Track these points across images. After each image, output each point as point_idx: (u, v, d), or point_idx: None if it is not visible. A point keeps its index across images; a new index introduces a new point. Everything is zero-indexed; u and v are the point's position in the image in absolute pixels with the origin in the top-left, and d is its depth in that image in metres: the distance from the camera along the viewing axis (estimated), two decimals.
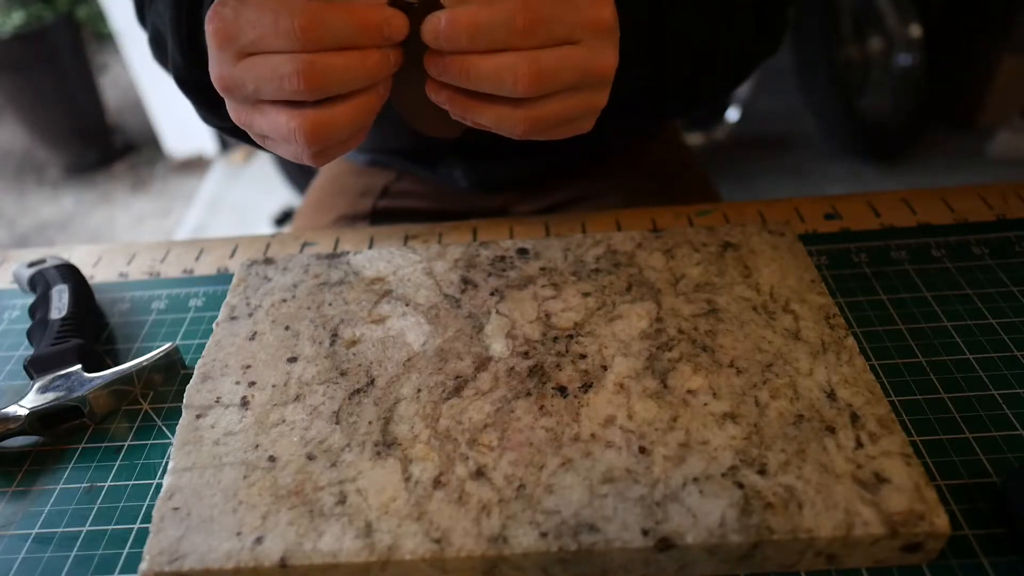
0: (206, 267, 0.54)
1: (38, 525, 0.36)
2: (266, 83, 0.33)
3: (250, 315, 0.44)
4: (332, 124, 0.34)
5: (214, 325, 0.44)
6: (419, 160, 0.67)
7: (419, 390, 0.38)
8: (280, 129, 0.35)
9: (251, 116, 0.36)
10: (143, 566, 0.31)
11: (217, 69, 0.35)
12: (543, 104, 0.36)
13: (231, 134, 0.46)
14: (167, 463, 0.36)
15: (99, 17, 2.15)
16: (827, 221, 0.53)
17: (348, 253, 0.48)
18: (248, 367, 0.40)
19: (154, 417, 0.42)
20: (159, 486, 0.38)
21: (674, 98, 0.49)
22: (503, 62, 0.33)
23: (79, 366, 0.42)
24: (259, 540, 0.32)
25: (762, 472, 0.32)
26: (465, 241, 0.53)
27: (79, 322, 0.46)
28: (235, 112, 0.37)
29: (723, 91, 0.53)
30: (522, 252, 0.47)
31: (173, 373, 0.44)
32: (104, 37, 2.32)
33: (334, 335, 0.42)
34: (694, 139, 2.08)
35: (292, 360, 0.41)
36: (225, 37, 0.33)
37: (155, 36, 0.48)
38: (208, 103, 0.44)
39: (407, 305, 0.44)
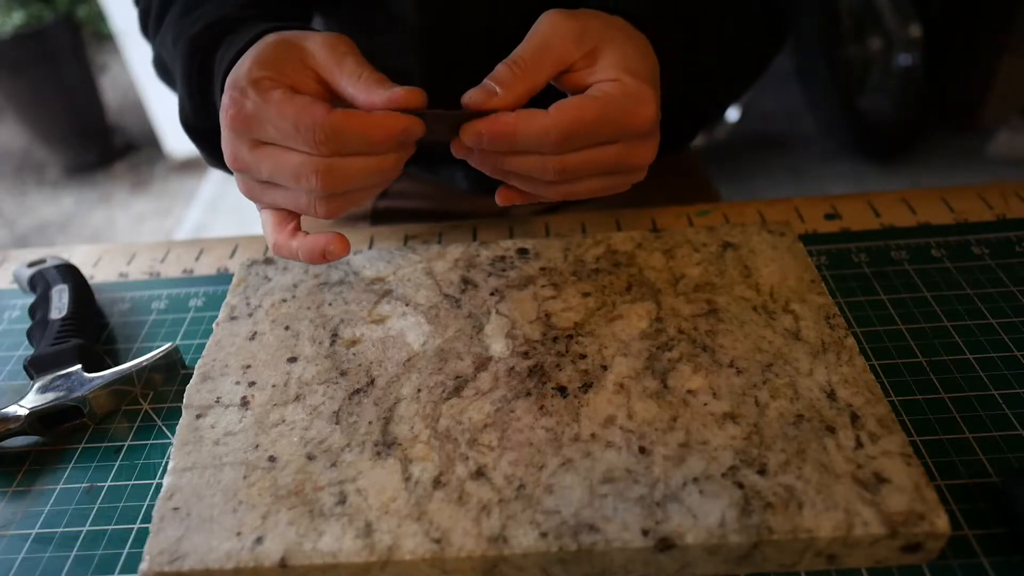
0: (206, 267, 0.54)
1: (38, 525, 0.36)
2: (281, 175, 0.34)
3: (250, 315, 0.44)
4: (347, 170, 0.34)
5: (214, 325, 0.44)
6: (420, 161, 0.67)
7: (419, 390, 0.38)
8: (293, 182, 0.35)
9: (261, 193, 0.37)
10: (143, 566, 0.31)
11: (230, 150, 0.35)
12: (573, 184, 0.38)
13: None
14: (167, 463, 0.36)
15: (99, 17, 2.15)
16: (827, 221, 0.53)
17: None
18: (248, 367, 0.40)
19: (154, 417, 0.42)
20: (159, 486, 0.38)
21: (696, 117, 0.50)
22: (533, 163, 0.36)
23: (79, 366, 0.42)
24: (259, 540, 0.32)
25: (762, 472, 0.32)
26: (465, 241, 0.53)
27: (79, 322, 0.46)
28: (244, 187, 0.37)
29: (737, 98, 0.54)
30: (522, 252, 0.47)
31: (173, 373, 0.44)
32: (104, 37, 2.31)
33: (334, 335, 0.42)
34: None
35: (292, 360, 0.41)
36: (242, 126, 0.34)
37: (159, 62, 0.49)
38: (214, 149, 0.44)
39: (407, 305, 0.44)
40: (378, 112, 0.32)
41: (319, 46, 0.35)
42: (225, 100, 0.34)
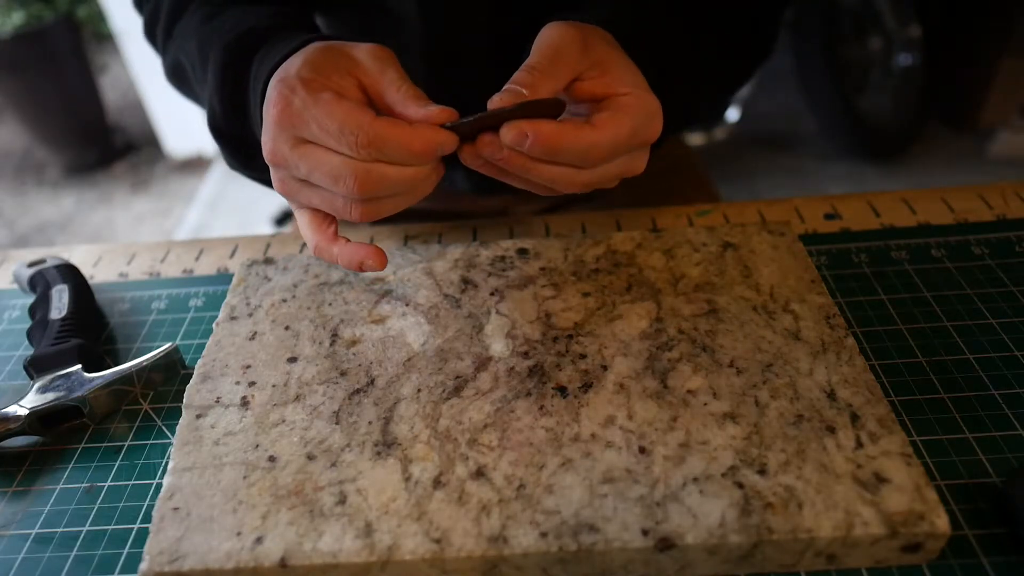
0: (206, 267, 0.54)
1: (38, 525, 0.36)
2: (319, 175, 0.35)
3: (250, 315, 0.44)
4: (384, 176, 0.34)
5: (214, 325, 0.44)
6: None
7: (419, 390, 0.38)
8: (331, 182, 0.35)
9: (297, 191, 0.37)
10: (143, 566, 0.31)
11: (271, 145, 0.36)
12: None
13: (256, 180, 0.47)
14: (167, 463, 0.36)
15: (99, 17, 2.15)
16: (827, 221, 0.53)
17: None
18: (248, 367, 0.40)
19: (154, 417, 0.42)
20: (159, 486, 0.38)
21: (673, 121, 0.51)
22: (561, 174, 0.36)
23: (79, 366, 0.42)
24: (259, 540, 0.32)
25: (762, 472, 0.32)
26: (465, 241, 0.53)
27: (79, 322, 0.46)
28: (280, 184, 0.38)
29: (719, 105, 0.56)
30: (522, 252, 0.47)
31: (173, 373, 0.44)
32: (104, 37, 2.31)
33: (334, 335, 0.42)
34: (694, 139, 2.08)
35: (292, 360, 0.41)
36: (288, 122, 0.35)
37: (175, 67, 0.49)
38: (237, 152, 0.45)
39: (407, 305, 0.44)
40: (419, 124, 0.34)
41: (365, 54, 0.36)
42: (272, 95, 0.35)
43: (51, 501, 0.38)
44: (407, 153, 0.33)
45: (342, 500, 0.33)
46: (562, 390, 0.37)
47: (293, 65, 0.36)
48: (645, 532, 0.31)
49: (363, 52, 0.36)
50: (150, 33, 0.54)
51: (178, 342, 0.47)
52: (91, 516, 0.37)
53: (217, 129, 0.45)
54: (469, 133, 0.35)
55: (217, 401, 0.39)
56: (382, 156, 0.33)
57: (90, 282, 0.51)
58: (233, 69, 0.42)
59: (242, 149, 0.45)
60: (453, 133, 0.35)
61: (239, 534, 0.32)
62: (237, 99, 0.42)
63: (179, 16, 0.50)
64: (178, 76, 0.51)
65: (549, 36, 0.37)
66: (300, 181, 0.37)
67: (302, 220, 0.39)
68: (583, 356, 0.39)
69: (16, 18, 2.00)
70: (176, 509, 0.33)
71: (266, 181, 0.42)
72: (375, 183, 0.34)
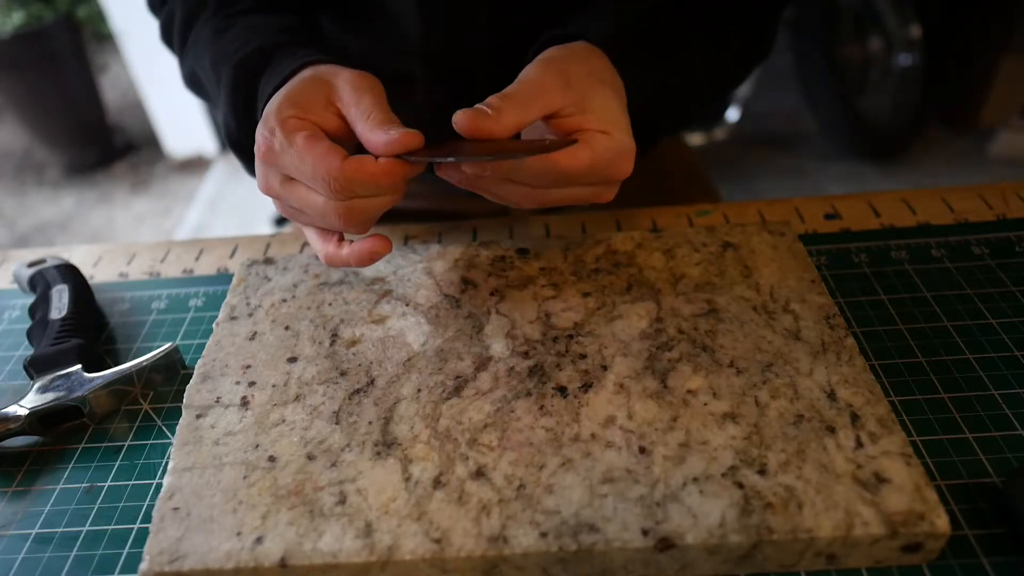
0: (206, 267, 0.54)
1: (38, 525, 0.36)
2: (308, 210, 0.38)
3: (250, 315, 0.44)
4: (364, 208, 0.38)
5: (214, 325, 0.44)
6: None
7: (419, 390, 0.38)
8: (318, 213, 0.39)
9: (296, 216, 0.41)
10: (143, 566, 0.31)
11: (263, 181, 0.39)
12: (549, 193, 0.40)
13: None
14: (167, 463, 0.36)
15: (99, 17, 2.15)
16: (827, 221, 0.53)
17: None
18: (248, 367, 0.40)
19: (154, 417, 0.42)
20: (159, 486, 0.38)
21: (668, 123, 0.51)
22: (519, 193, 0.39)
23: (79, 366, 0.42)
24: (259, 540, 0.32)
25: (762, 472, 0.32)
26: (465, 241, 0.53)
27: (79, 322, 0.46)
28: (280, 210, 0.41)
29: (717, 106, 0.56)
30: (522, 252, 0.47)
31: (173, 373, 0.44)
32: (104, 37, 2.31)
33: (334, 335, 0.42)
34: (694, 139, 2.08)
35: (292, 360, 0.41)
36: (271, 161, 0.38)
37: (192, 77, 0.52)
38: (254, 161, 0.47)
39: (407, 305, 0.44)
40: (384, 160, 0.36)
41: (344, 83, 0.38)
42: (257, 135, 0.38)
43: (51, 501, 0.38)
44: (377, 188, 0.36)
45: (342, 500, 0.33)
46: (562, 390, 0.37)
47: (275, 102, 0.38)
48: (645, 532, 0.31)
49: (343, 80, 0.38)
50: (166, 38, 0.55)
51: (178, 342, 0.47)
52: (91, 516, 0.37)
53: (235, 143, 0.47)
54: (432, 157, 0.37)
55: (217, 401, 0.39)
56: (356, 194, 0.36)
57: (90, 282, 0.51)
58: (243, 87, 0.44)
59: None
60: (417, 165, 0.37)
61: (239, 534, 0.32)
62: (251, 114, 0.45)
63: (192, 23, 0.51)
64: (195, 85, 0.53)
65: (530, 74, 0.39)
66: (296, 210, 0.40)
67: (310, 235, 0.42)
68: (583, 356, 0.39)
69: (16, 18, 2.00)
70: (176, 509, 0.33)
71: None
72: (357, 215, 0.37)
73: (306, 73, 0.40)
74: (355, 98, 0.37)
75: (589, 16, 0.45)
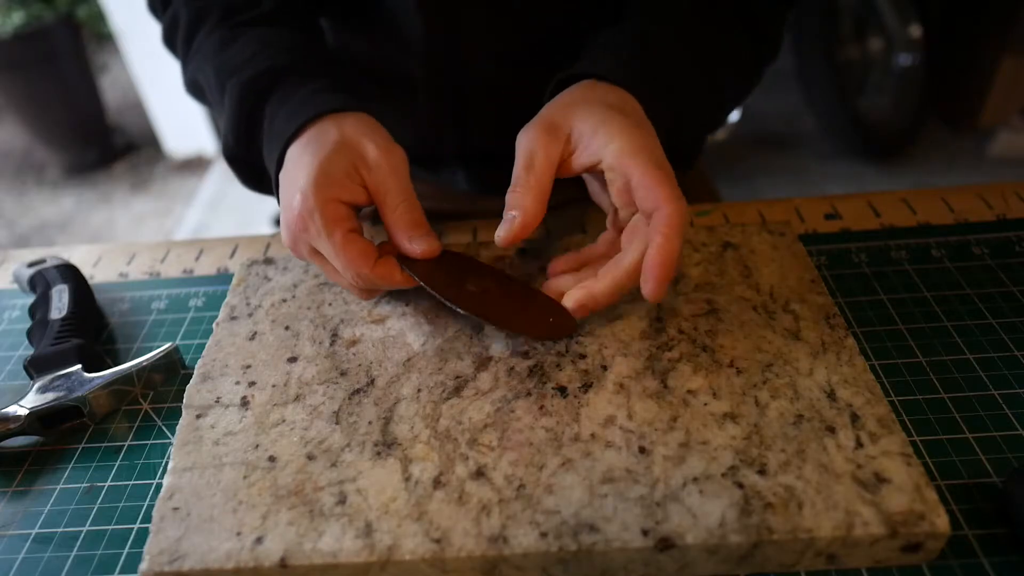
0: (206, 267, 0.54)
1: (38, 525, 0.36)
2: (330, 278, 0.42)
3: (250, 315, 0.44)
4: (381, 289, 0.43)
5: (214, 325, 0.44)
6: (421, 163, 0.67)
7: (419, 390, 0.38)
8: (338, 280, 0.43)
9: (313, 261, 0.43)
10: (143, 566, 0.31)
11: (290, 243, 0.41)
12: None
13: (267, 194, 0.49)
14: (167, 463, 0.36)
15: (99, 17, 2.15)
16: (827, 221, 0.53)
17: None
18: (248, 367, 0.40)
19: (154, 417, 0.42)
20: (159, 486, 0.38)
21: (689, 135, 0.50)
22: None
23: (79, 366, 0.42)
24: (259, 540, 0.32)
25: (762, 472, 0.32)
26: (465, 241, 0.53)
27: (79, 322, 0.46)
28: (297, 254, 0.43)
29: (732, 109, 0.56)
30: (522, 252, 0.47)
31: (173, 373, 0.44)
32: (104, 37, 2.31)
33: (334, 335, 0.42)
34: None
35: (292, 360, 0.41)
36: (302, 235, 0.40)
37: (194, 84, 0.52)
38: (251, 176, 0.48)
39: (407, 305, 0.44)
40: (408, 273, 0.40)
41: (375, 157, 0.40)
42: (293, 207, 0.39)
43: (51, 501, 0.38)
44: (396, 287, 0.41)
45: (342, 500, 0.33)
46: (562, 390, 0.37)
47: (311, 172, 0.39)
48: (645, 532, 0.31)
49: (374, 153, 0.40)
50: (169, 42, 0.55)
51: (178, 342, 0.47)
52: (91, 516, 0.37)
53: (231, 157, 0.47)
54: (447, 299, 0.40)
55: (217, 401, 0.39)
56: (377, 288, 0.41)
57: (90, 282, 0.51)
58: (248, 108, 0.45)
59: (254, 173, 0.48)
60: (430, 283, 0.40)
61: (239, 534, 0.32)
62: (252, 133, 0.45)
63: (197, 31, 0.51)
64: (197, 92, 0.53)
65: (520, 145, 0.39)
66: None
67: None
68: (583, 356, 0.39)
69: (16, 18, 2.00)
70: (176, 509, 0.33)
71: (278, 196, 0.44)
72: (374, 295, 0.43)
73: (332, 134, 0.40)
74: (384, 185, 0.40)
75: (599, 48, 0.45)
